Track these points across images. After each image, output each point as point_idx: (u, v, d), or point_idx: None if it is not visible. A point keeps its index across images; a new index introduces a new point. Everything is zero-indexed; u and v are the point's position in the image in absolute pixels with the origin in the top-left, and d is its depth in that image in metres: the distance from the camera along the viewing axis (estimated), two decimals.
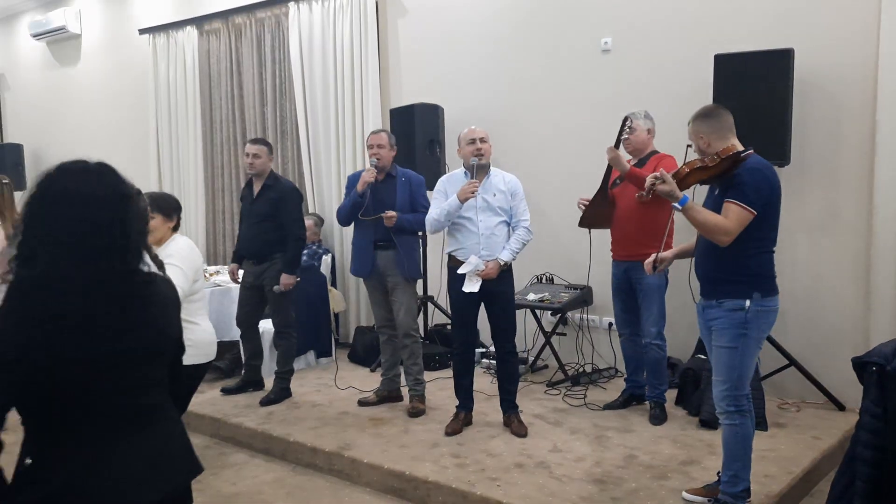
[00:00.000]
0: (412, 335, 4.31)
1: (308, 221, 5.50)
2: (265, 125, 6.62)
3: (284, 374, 4.63)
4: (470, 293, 3.79)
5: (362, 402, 4.44)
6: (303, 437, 3.92)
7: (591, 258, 4.36)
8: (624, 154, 3.94)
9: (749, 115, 3.59)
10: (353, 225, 4.42)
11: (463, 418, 3.97)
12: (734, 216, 2.71)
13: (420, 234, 4.62)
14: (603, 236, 4.20)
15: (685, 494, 3.08)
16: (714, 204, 2.83)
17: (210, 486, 3.55)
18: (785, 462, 3.39)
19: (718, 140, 2.85)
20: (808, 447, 3.57)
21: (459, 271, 3.82)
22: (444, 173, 4.56)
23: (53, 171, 1.55)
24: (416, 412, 4.21)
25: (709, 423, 3.81)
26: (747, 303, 2.76)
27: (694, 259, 2.99)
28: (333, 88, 6.03)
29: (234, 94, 6.87)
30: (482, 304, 3.93)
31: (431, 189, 4.15)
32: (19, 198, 8.11)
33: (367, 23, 5.80)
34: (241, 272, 4.79)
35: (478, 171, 3.84)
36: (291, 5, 6.22)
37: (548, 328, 5.00)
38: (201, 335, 3.10)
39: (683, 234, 3.96)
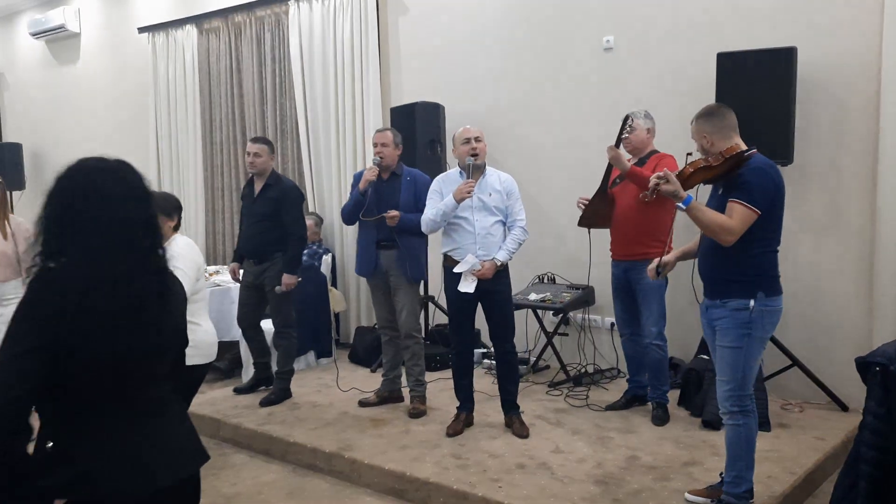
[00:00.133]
0: (414, 336, 4.30)
1: (308, 221, 5.48)
2: (265, 124, 6.61)
3: (284, 375, 4.61)
4: (466, 293, 3.77)
5: (363, 403, 4.42)
6: (303, 438, 3.90)
7: (591, 258, 4.34)
8: (624, 153, 3.93)
9: (752, 114, 3.58)
10: (357, 224, 4.41)
11: (464, 419, 3.95)
12: (738, 216, 2.70)
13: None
14: (604, 236, 4.19)
15: (688, 495, 3.07)
16: (718, 203, 2.82)
17: (210, 487, 3.54)
18: (788, 463, 3.38)
19: (722, 139, 2.83)
20: (811, 448, 3.56)
21: (455, 270, 3.81)
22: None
23: (77, 169, 1.61)
24: (416, 413, 4.19)
25: (711, 424, 3.80)
26: (751, 302, 2.75)
27: (697, 259, 2.98)
28: (334, 87, 6.02)
29: (234, 92, 6.85)
30: (479, 304, 3.91)
31: None
32: (19, 198, 8.01)
33: (367, 21, 5.78)
34: (241, 271, 4.77)
35: (473, 170, 3.82)
36: (291, 4, 6.21)
37: (549, 328, 4.98)
38: (203, 336, 3.09)
39: (682, 235, 3.96)
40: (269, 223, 4.51)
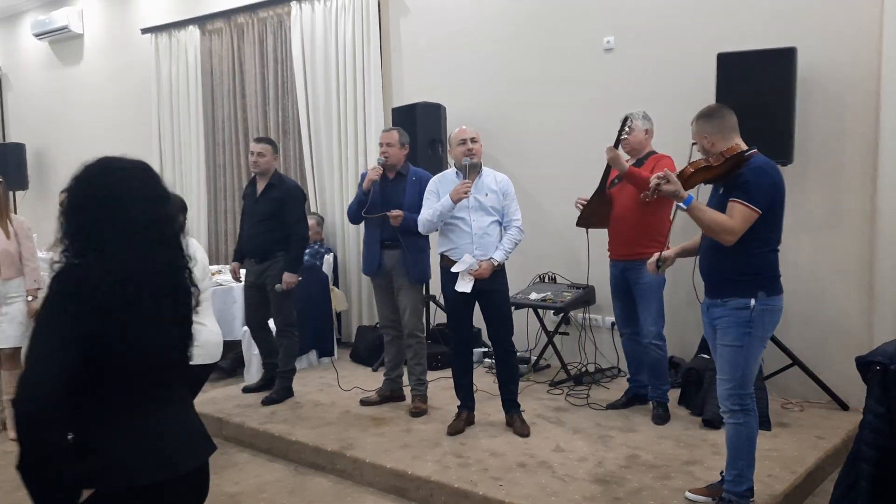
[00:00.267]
0: (417, 336, 4.31)
1: (310, 221, 5.49)
2: (267, 124, 6.63)
3: (286, 374, 4.62)
4: (463, 292, 3.79)
5: (364, 402, 4.43)
6: (305, 437, 3.92)
7: (589, 257, 4.35)
8: (622, 154, 3.94)
9: (752, 114, 3.58)
10: (363, 224, 4.42)
11: (465, 418, 3.96)
12: (739, 215, 2.71)
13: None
14: (604, 235, 4.19)
15: (688, 494, 3.08)
16: (718, 203, 2.82)
17: (213, 485, 3.51)
18: (788, 462, 3.38)
19: (722, 140, 2.84)
20: (811, 447, 3.57)
21: (453, 269, 3.82)
22: None
23: (99, 168, 1.65)
24: (418, 412, 4.20)
25: (712, 423, 3.80)
26: (752, 302, 2.76)
27: (698, 258, 2.99)
28: (335, 87, 6.03)
29: (237, 93, 6.87)
30: (477, 304, 3.92)
31: None
32: (23, 197, 8.06)
33: (369, 22, 5.80)
34: (242, 271, 4.79)
35: (470, 171, 3.83)
36: (294, 4, 6.22)
37: (550, 328, 4.99)
38: (208, 336, 3.10)
39: (680, 236, 3.96)
40: (272, 223, 4.52)
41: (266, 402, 4.51)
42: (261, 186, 4.63)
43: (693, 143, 2.96)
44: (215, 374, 5.04)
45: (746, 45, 4.10)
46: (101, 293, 1.55)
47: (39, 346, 1.50)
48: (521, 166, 5.24)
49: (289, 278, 4.45)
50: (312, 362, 5.44)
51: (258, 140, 4.70)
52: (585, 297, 4.75)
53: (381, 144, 4.30)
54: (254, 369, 5.04)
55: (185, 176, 7.26)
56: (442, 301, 4.61)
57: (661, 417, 3.96)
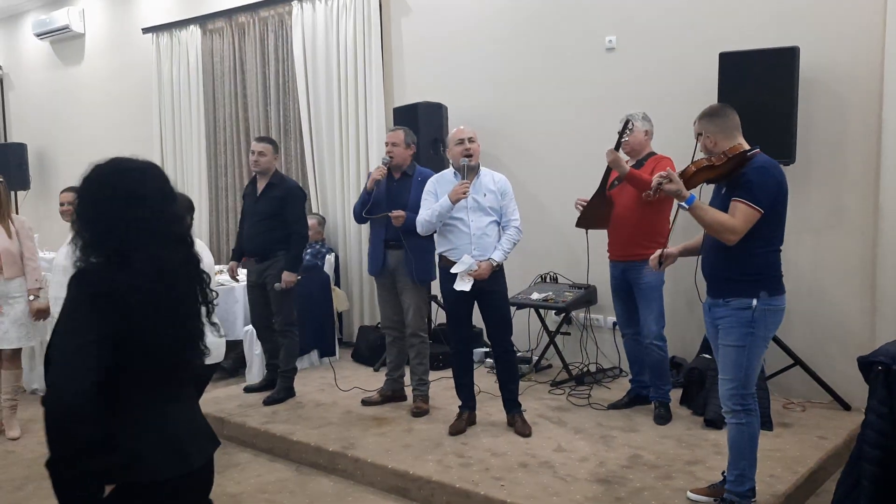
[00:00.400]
0: (420, 335, 4.30)
1: (311, 221, 5.50)
2: (268, 124, 6.63)
3: (287, 373, 4.62)
4: (462, 292, 3.78)
5: (366, 402, 4.43)
6: (306, 437, 3.92)
7: (589, 258, 4.35)
8: (622, 156, 3.94)
9: (754, 113, 3.58)
10: (369, 223, 4.41)
11: (466, 418, 3.96)
12: (741, 215, 2.70)
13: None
14: (605, 235, 4.19)
15: (690, 494, 3.07)
16: (721, 203, 2.82)
17: (215, 485, 3.54)
18: (790, 462, 3.38)
19: (725, 139, 2.84)
20: (813, 447, 3.56)
21: (452, 270, 3.82)
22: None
23: (112, 169, 1.68)
24: (419, 412, 4.20)
25: (714, 423, 3.80)
26: (754, 302, 2.75)
27: (700, 258, 2.98)
28: (337, 87, 6.03)
29: (238, 93, 6.87)
30: (476, 304, 3.92)
31: None
32: (24, 197, 8.05)
33: (370, 21, 5.79)
34: (240, 270, 4.79)
35: (468, 171, 3.83)
36: (295, 4, 6.22)
37: (552, 328, 4.99)
38: (211, 336, 3.09)
39: (680, 238, 3.95)
40: (272, 222, 4.52)
41: (267, 402, 4.51)
42: (261, 186, 4.63)
43: (696, 142, 2.96)
44: (217, 373, 5.03)
45: (748, 44, 4.10)
46: (127, 291, 1.59)
47: (69, 344, 1.53)
48: (522, 166, 5.23)
49: (288, 277, 4.45)
50: (314, 362, 5.44)
51: (259, 139, 4.70)
52: (587, 296, 4.74)
53: (386, 144, 4.30)
54: (255, 369, 5.05)
55: (187, 175, 7.25)
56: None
57: (663, 417, 3.95)
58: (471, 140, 3.85)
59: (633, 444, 3.67)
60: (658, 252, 3.09)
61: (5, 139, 9.38)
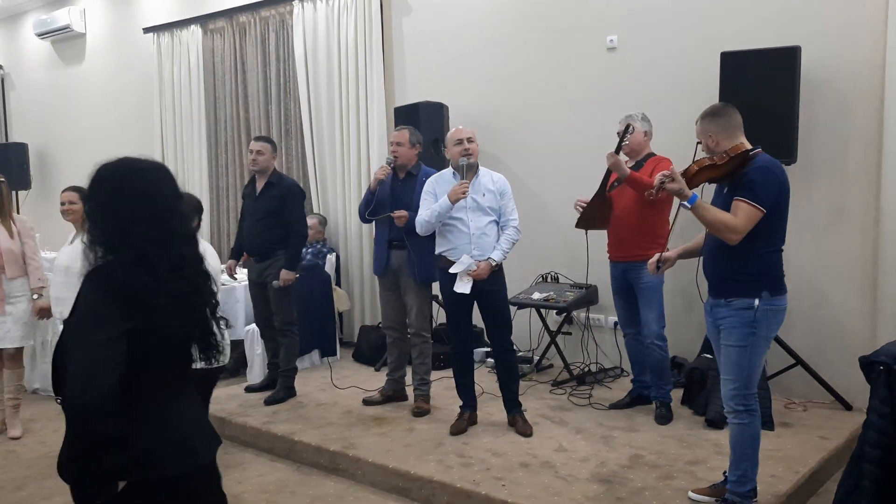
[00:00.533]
0: (423, 335, 4.30)
1: (312, 220, 5.50)
2: (269, 124, 6.63)
3: (288, 373, 4.63)
4: (462, 293, 3.78)
5: (367, 402, 4.43)
6: (307, 437, 3.92)
7: (588, 258, 4.35)
8: (621, 157, 3.93)
9: (755, 112, 3.57)
10: (373, 223, 4.41)
11: (467, 418, 3.96)
12: (743, 214, 2.70)
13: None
14: (605, 235, 4.19)
15: (691, 494, 3.07)
16: (723, 203, 2.82)
17: None
18: (791, 462, 3.38)
19: (727, 139, 2.84)
20: (814, 447, 3.56)
21: (451, 270, 3.82)
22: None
23: (121, 168, 1.70)
24: (420, 412, 4.20)
25: (715, 423, 3.80)
26: (756, 302, 2.75)
27: (702, 258, 2.98)
28: (338, 87, 6.03)
29: (239, 92, 6.87)
30: (476, 304, 3.92)
31: None
32: (25, 197, 8.03)
33: (371, 21, 5.79)
34: (239, 269, 4.80)
35: (467, 171, 3.83)
36: (296, 4, 6.22)
37: (553, 327, 4.99)
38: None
39: (680, 239, 3.95)
40: (272, 221, 4.53)
41: (269, 402, 4.51)
42: (260, 185, 4.63)
43: (698, 142, 2.96)
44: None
45: (750, 43, 4.09)
46: (147, 289, 1.61)
47: (90, 341, 1.54)
48: (523, 165, 5.23)
49: (286, 275, 4.45)
50: (315, 362, 5.44)
51: (257, 139, 4.72)
52: (588, 296, 4.74)
53: (391, 143, 4.29)
54: (256, 369, 5.04)
55: (188, 175, 7.25)
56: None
57: (664, 417, 3.95)
58: (469, 140, 3.85)
59: (634, 444, 3.66)
60: (656, 256, 3.09)
61: (6, 139, 9.38)
